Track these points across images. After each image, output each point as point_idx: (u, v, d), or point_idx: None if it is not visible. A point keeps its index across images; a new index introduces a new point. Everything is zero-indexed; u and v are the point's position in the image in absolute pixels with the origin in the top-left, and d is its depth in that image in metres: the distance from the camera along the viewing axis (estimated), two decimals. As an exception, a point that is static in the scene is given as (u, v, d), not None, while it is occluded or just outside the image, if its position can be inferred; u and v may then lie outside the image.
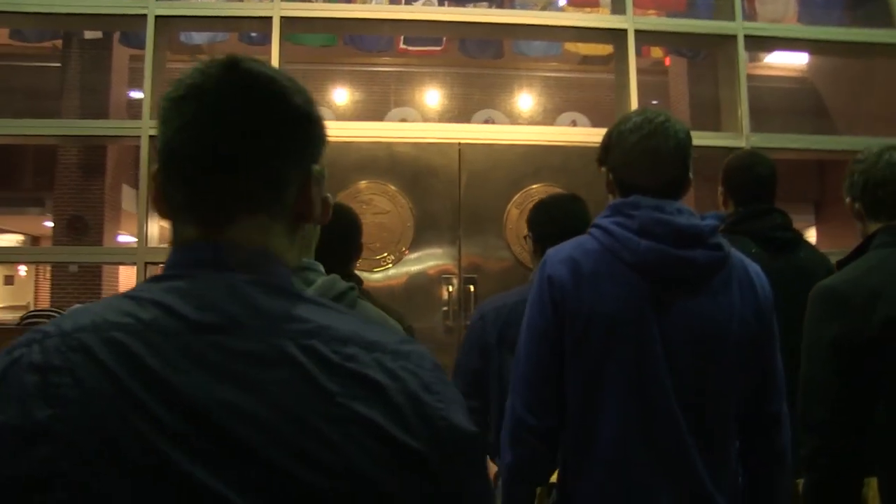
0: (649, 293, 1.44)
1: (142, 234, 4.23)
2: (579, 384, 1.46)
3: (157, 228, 4.53)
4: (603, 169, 1.61)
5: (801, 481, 1.64)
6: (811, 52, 7.91)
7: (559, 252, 1.54)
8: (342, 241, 2.16)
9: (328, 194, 1.43)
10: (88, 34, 8.99)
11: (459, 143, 4.66)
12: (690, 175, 1.55)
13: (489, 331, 2.31)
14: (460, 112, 11.27)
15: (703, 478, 1.41)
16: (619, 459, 1.43)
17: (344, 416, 0.68)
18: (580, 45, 9.55)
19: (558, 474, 1.54)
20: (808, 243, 2.63)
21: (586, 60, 11.39)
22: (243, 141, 0.78)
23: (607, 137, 1.58)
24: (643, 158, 1.51)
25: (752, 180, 2.54)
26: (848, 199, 1.89)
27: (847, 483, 1.57)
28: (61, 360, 0.68)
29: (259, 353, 0.70)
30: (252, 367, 0.69)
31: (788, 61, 11.97)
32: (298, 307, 0.76)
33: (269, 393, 0.68)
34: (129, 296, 0.75)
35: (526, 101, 11.88)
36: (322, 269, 1.37)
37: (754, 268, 1.54)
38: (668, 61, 11.16)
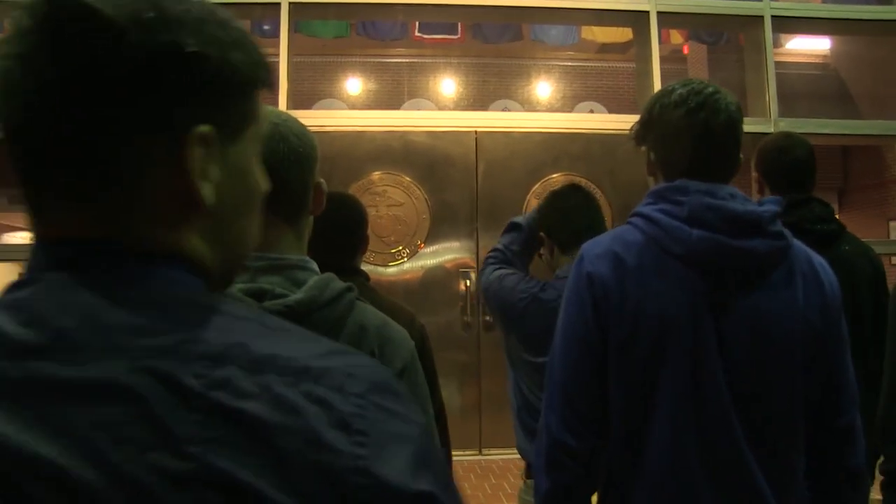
0: (703, 289, 1.27)
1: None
2: (625, 394, 1.29)
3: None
4: (642, 148, 1.43)
5: (877, 497, 1.46)
6: (839, 33, 7.71)
7: (597, 245, 1.37)
8: (342, 232, 1.99)
9: (321, 180, 1.27)
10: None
11: (476, 132, 4.50)
12: (741, 155, 1.38)
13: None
14: (476, 102, 11.12)
15: (765, 494, 1.24)
16: (672, 475, 1.26)
17: (196, 476, 0.47)
18: (598, 32, 9.40)
19: (599, 497, 1.38)
20: (851, 235, 2.45)
21: (604, 48, 11.22)
22: (53, 108, 0.55)
23: (647, 112, 1.40)
24: (690, 136, 1.34)
25: (788, 164, 2.35)
26: None
27: None
28: None
29: (83, 382, 0.49)
30: (70, 405, 0.49)
31: (811, 47, 11.75)
32: (160, 315, 0.54)
33: (89, 442, 0.47)
34: None
35: (542, 90, 11.72)
36: (315, 266, 1.20)
37: (819, 260, 1.36)
38: (686, 49, 10.96)
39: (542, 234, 2.25)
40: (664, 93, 1.38)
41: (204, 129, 0.58)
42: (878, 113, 9.20)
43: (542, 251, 2.32)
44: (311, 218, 1.26)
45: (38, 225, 0.59)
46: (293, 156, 1.16)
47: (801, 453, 1.31)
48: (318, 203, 1.23)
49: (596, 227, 2.15)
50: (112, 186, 0.56)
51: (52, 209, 0.58)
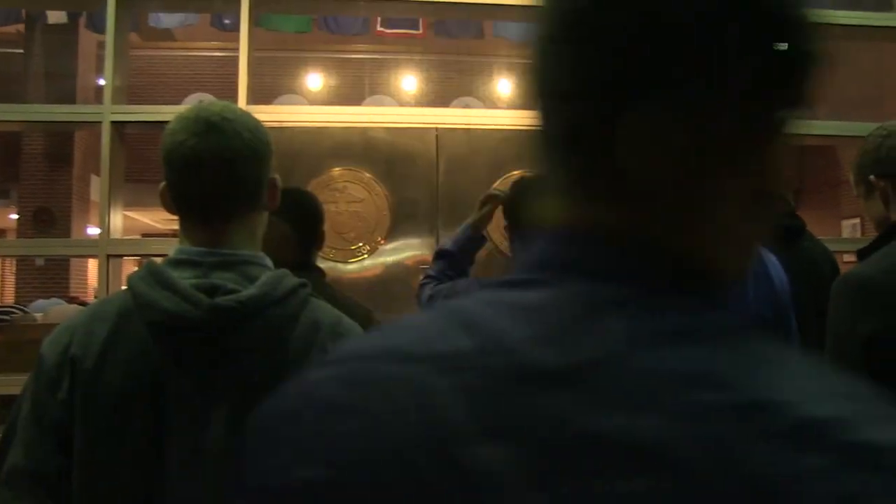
0: None
1: (104, 226, 4.02)
2: None
3: (121, 219, 4.32)
4: (875, 179, 1.44)
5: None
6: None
7: None
8: (297, 228, 1.96)
9: (276, 176, 1.26)
10: (52, 18, 8.71)
11: (437, 129, 4.48)
12: None
13: None
14: (438, 99, 11.09)
15: None
16: None
17: None
18: (560, 29, 9.41)
19: None
20: (809, 233, 2.50)
21: (566, 46, 11.24)
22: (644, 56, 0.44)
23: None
24: None
25: None
26: (872, 178, 1.68)
27: None
28: (346, 398, 0.43)
29: (622, 440, 0.36)
30: (623, 475, 0.35)
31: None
32: (712, 356, 0.39)
33: None
34: (451, 308, 0.47)
35: (504, 87, 11.72)
36: (269, 262, 1.20)
37: (769, 257, 1.37)
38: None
39: (507, 223, 2.17)
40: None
41: (791, 113, 0.47)
42: (832, 115, 9.37)
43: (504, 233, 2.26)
44: (266, 214, 1.24)
45: (567, 210, 0.49)
46: (247, 151, 1.15)
47: None
48: (272, 199, 1.23)
49: None
50: (680, 169, 0.45)
51: (583, 191, 0.48)
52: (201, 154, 1.12)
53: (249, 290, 1.09)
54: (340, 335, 1.16)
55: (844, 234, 10.47)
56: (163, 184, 1.18)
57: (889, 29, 4.86)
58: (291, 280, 1.15)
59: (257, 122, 1.20)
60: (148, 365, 1.08)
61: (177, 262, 1.14)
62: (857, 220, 10.67)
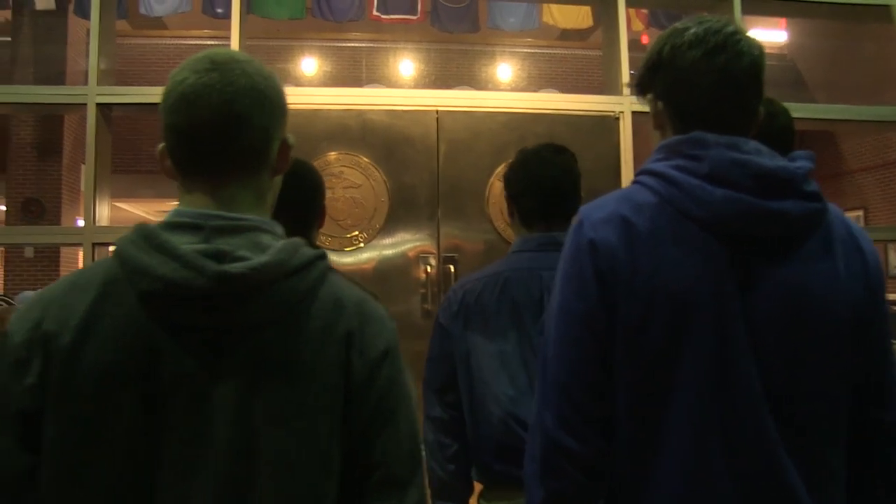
0: (728, 258, 1.07)
1: (90, 215, 3.86)
2: (635, 386, 1.09)
3: (109, 208, 4.14)
4: (648, 97, 1.23)
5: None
6: (803, 15, 7.69)
7: (601, 208, 1.16)
8: (295, 200, 1.78)
9: (289, 135, 1.09)
10: (40, 4, 8.52)
11: (437, 111, 4.30)
12: (762, 107, 1.20)
13: (452, 313, 1.94)
14: (436, 85, 10.95)
15: (801, 498, 1.05)
16: (692, 484, 1.06)
17: None
18: (559, 17, 9.26)
19: None
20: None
21: (565, 35, 11.11)
22: None
23: (656, 55, 1.19)
24: (707, 81, 1.14)
25: (776, 132, 2.17)
26: None
27: None
28: None
29: None
30: None
31: (769, 39, 11.87)
32: None
33: None
34: None
35: (503, 76, 11.61)
36: (281, 230, 1.03)
37: (857, 226, 1.18)
38: (645, 38, 10.90)
39: (506, 195, 1.97)
40: (675, 32, 1.18)
41: None
42: (833, 100, 9.25)
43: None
44: (278, 180, 1.08)
45: None
46: (255, 94, 0.98)
47: (843, 457, 1.12)
48: (282, 160, 1.06)
49: (569, 203, 1.86)
50: None
51: None
52: (199, 90, 0.97)
53: (262, 258, 0.93)
54: (368, 316, 1.01)
55: (847, 224, 10.38)
56: (161, 145, 1.02)
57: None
58: (308, 250, 0.99)
59: (272, 72, 1.05)
60: (139, 341, 0.92)
61: (174, 226, 0.97)
62: (861, 212, 10.53)
